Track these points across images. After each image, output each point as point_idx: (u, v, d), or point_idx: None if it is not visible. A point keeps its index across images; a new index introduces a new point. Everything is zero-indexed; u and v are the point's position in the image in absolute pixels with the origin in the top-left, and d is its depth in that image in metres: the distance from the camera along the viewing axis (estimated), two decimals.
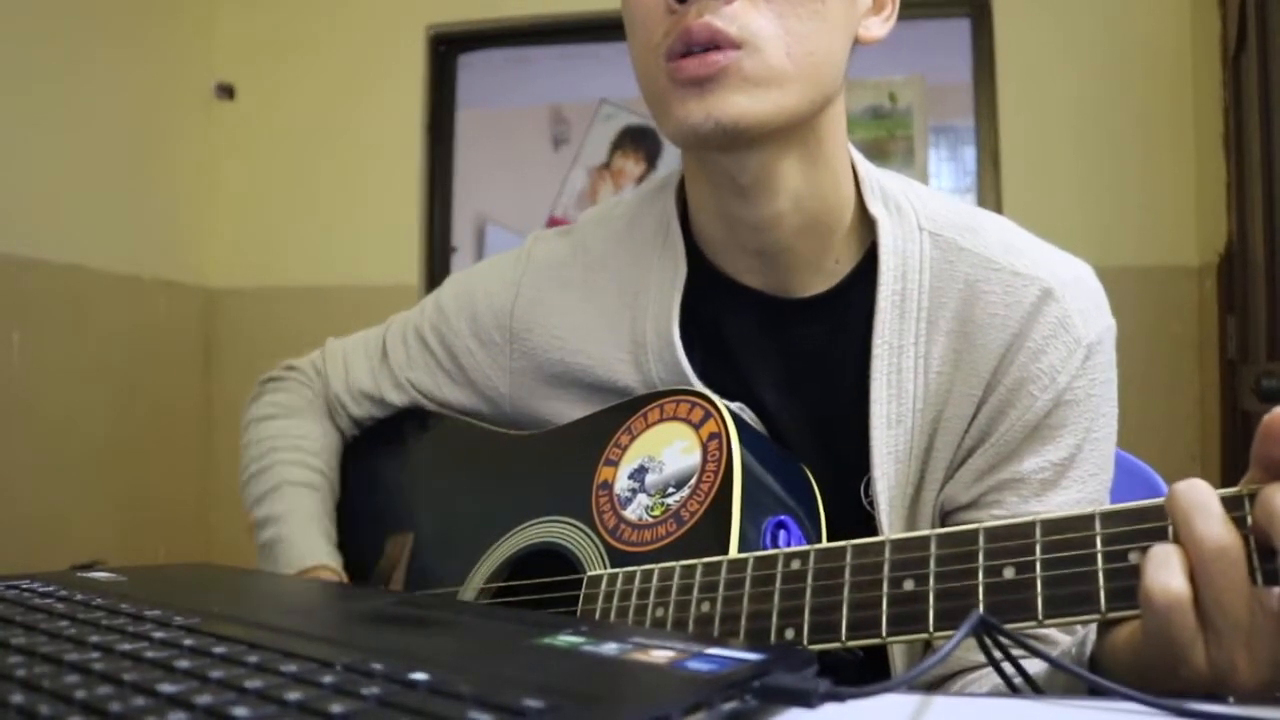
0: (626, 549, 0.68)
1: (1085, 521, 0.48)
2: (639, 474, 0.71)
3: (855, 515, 0.73)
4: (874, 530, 0.71)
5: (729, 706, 0.37)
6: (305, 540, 0.84)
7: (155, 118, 2.85)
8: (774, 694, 0.38)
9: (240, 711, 0.34)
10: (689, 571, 0.60)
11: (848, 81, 0.73)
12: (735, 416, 0.70)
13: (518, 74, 3.03)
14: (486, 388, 0.86)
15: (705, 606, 0.58)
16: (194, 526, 2.91)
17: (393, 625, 0.53)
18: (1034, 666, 0.54)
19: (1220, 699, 0.45)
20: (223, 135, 3.06)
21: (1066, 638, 0.65)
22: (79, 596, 0.55)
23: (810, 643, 0.53)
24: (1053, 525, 0.49)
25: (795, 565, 0.56)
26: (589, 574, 0.66)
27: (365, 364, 0.93)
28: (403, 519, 0.88)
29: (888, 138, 2.76)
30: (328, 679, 0.37)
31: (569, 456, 0.77)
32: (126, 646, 0.43)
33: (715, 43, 0.64)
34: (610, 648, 0.42)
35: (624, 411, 0.75)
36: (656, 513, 0.68)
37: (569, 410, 0.81)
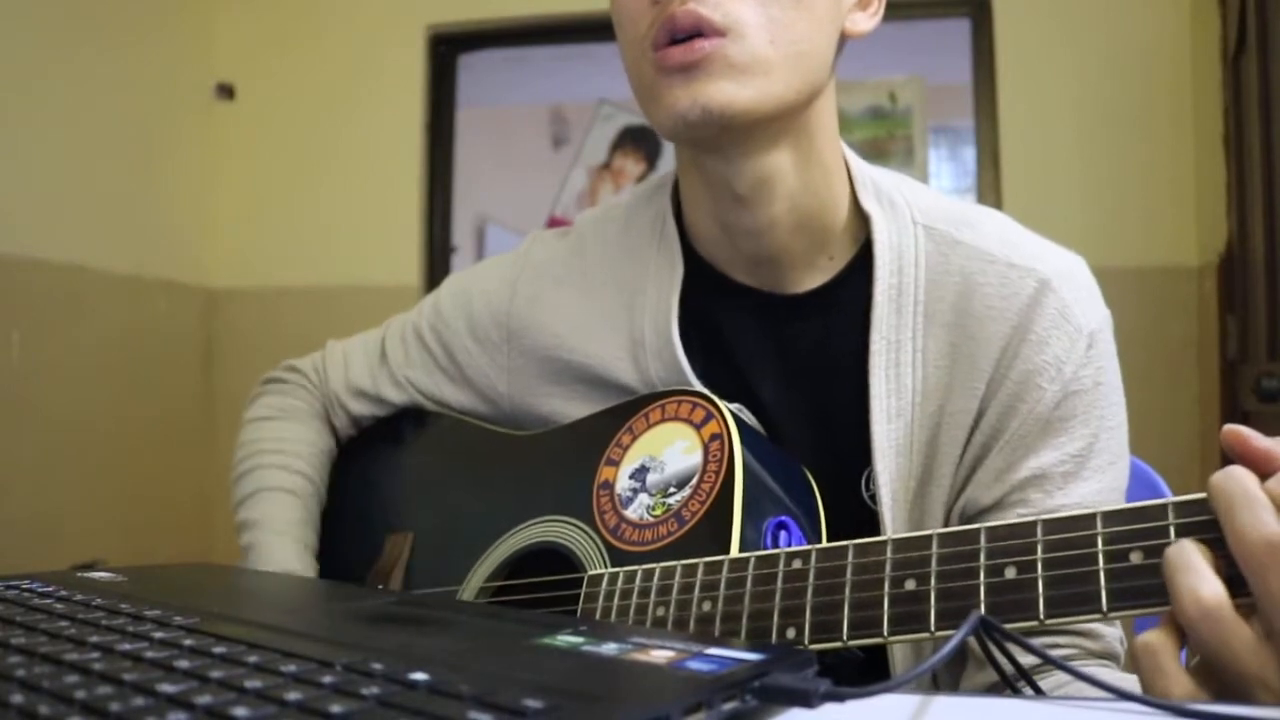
0: (627, 548, 0.68)
1: (1086, 521, 0.48)
2: (640, 474, 0.71)
3: (857, 511, 0.73)
4: (876, 526, 0.71)
5: (729, 707, 0.37)
6: (278, 549, 0.84)
7: (155, 118, 2.85)
8: (774, 694, 0.38)
9: (240, 711, 0.34)
10: (690, 571, 0.60)
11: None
12: (736, 417, 0.70)
13: (517, 74, 3.03)
14: (485, 387, 0.87)
15: (706, 606, 0.58)
16: (194, 526, 2.91)
17: (393, 625, 0.53)
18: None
19: None
20: (223, 135, 3.06)
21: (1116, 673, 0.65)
22: (79, 596, 0.55)
23: (811, 642, 0.53)
24: (1054, 525, 0.49)
25: (797, 565, 0.56)
26: (589, 573, 0.66)
27: (364, 363, 0.93)
28: (402, 517, 0.88)
29: (888, 138, 2.76)
30: (327, 679, 0.37)
31: (570, 456, 0.77)
32: (126, 646, 0.43)
33: (699, 29, 0.64)
34: (610, 648, 0.42)
35: (625, 411, 0.75)
36: (658, 512, 0.68)
37: (568, 409, 0.82)
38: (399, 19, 2.98)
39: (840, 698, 0.39)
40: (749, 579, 0.57)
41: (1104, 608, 0.47)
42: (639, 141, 2.89)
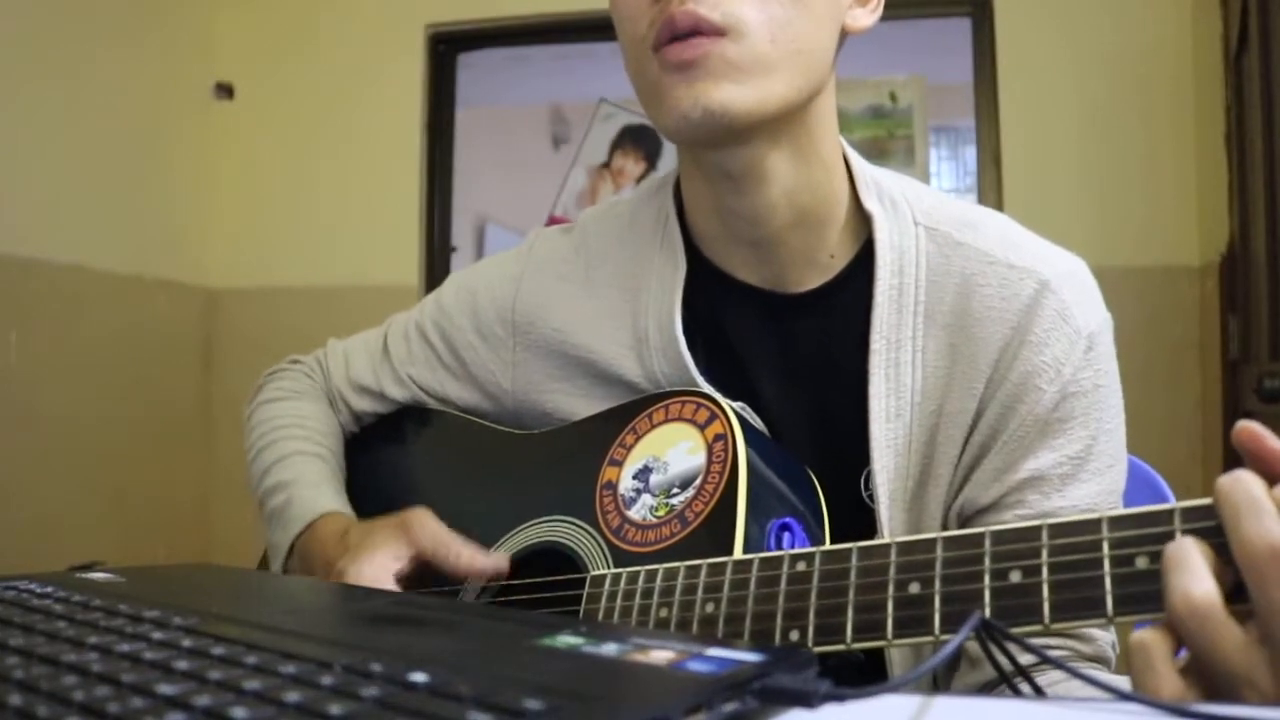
0: (630, 549, 0.68)
1: (1092, 525, 0.48)
2: (643, 474, 0.71)
3: (855, 509, 0.73)
4: (874, 525, 0.71)
5: (729, 707, 0.37)
6: (314, 496, 0.83)
7: (155, 118, 2.85)
8: (774, 695, 0.38)
9: (239, 712, 0.34)
10: (693, 572, 0.60)
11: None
12: (739, 417, 0.70)
13: (517, 73, 3.03)
14: (488, 383, 0.87)
15: (709, 607, 0.58)
16: (194, 526, 2.91)
17: (392, 625, 0.53)
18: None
19: None
20: (223, 135, 3.06)
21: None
22: (77, 597, 0.54)
23: (815, 645, 0.53)
24: (1059, 529, 0.49)
25: (800, 567, 0.56)
26: (592, 574, 0.66)
27: (366, 359, 0.93)
28: None
29: (888, 137, 2.76)
30: (327, 680, 0.37)
31: (572, 456, 0.77)
32: (125, 647, 0.43)
33: (698, 28, 0.64)
34: (610, 648, 0.42)
35: (629, 412, 0.75)
36: (661, 513, 0.68)
37: (572, 405, 0.82)
38: (399, 19, 2.97)
39: (841, 698, 0.39)
40: (752, 581, 0.57)
41: (1109, 612, 0.46)
42: (639, 141, 2.89)
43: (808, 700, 0.38)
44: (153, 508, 2.76)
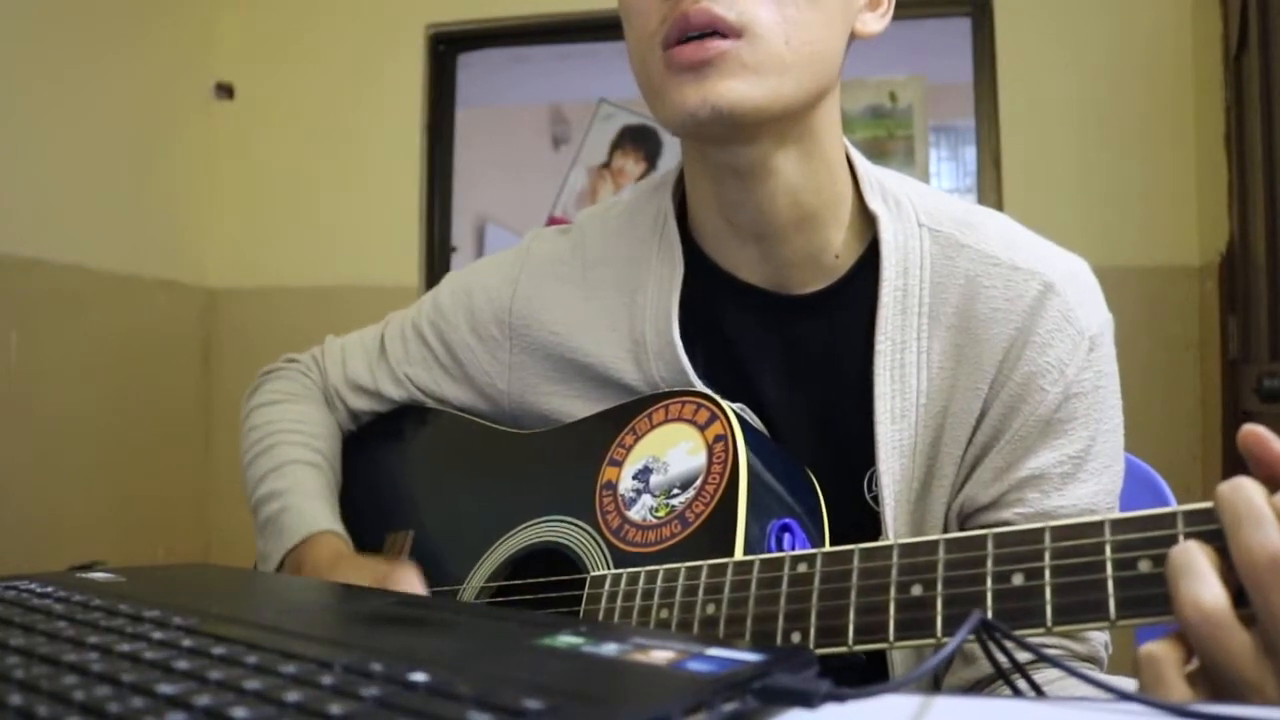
0: (630, 549, 0.68)
1: (1095, 528, 0.48)
2: (643, 474, 0.71)
3: (858, 512, 0.73)
4: (878, 527, 0.71)
5: (729, 707, 0.37)
6: (311, 510, 0.83)
7: (155, 118, 2.84)
8: (775, 695, 0.38)
9: (239, 712, 0.34)
10: (694, 573, 0.60)
11: (848, 81, 0.74)
12: (739, 418, 0.70)
13: (517, 73, 3.03)
14: (484, 384, 0.86)
15: (710, 609, 0.58)
16: (193, 526, 2.91)
17: (392, 625, 0.53)
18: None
19: None
20: (223, 135, 3.06)
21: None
22: (77, 597, 0.54)
23: (817, 646, 0.53)
24: (1062, 531, 0.49)
25: (802, 568, 0.55)
26: (592, 574, 0.66)
27: (363, 359, 0.93)
28: (402, 515, 0.88)
29: (888, 138, 2.76)
30: (327, 680, 0.37)
31: (572, 456, 0.77)
32: (125, 647, 0.43)
33: (714, 28, 0.64)
34: (610, 648, 0.42)
35: (628, 412, 0.75)
36: (661, 514, 0.68)
37: (568, 406, 0.81)
38: (399, 19, 2.97)
39: (841, 698, 0.39)
40: (753, 582, 0.57)
41: (1112, 616, 0.46)
42: (639, 141, 2.89)
43: (808, 700, 0.38)
44: (153, 508, 2.76)
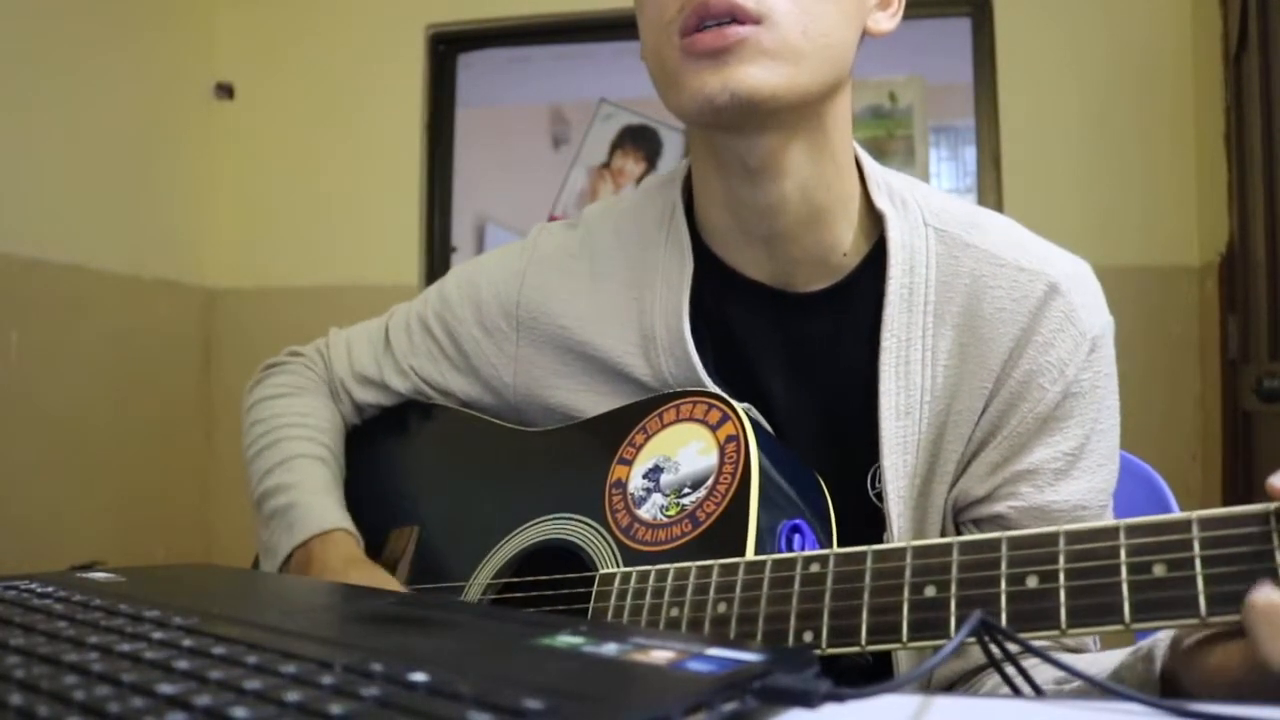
0: (640, 548, 0.68)
1: (1109, 533, 0.48)
2: (654, 473, 0.71)
3: (861, 508, 0.73)
4: (881, 522, 0.72)
5: (729, 707, 0.37)
6: (320, 505, 0.83)
7: (155, 118, 2.84)
8: (775, 694, 0.38)
9: (239, 712, 0.34)
10: (705, 572, 0.60)
11: (851, 80, 0.74)
12: (750, 419, 0.70)
13: (517, 74, 3.03)
14: (490, 376, 0.87)
15: (722, 607, 0.58)
16: (194, 526, 2.91)
17: (392, 625, 0.53)
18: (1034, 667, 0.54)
19: None
20: (223, 135, 3.06)
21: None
22: (78, 597, 0.55)
23: (830, 646, 0.53)
24: (1076, 536, 0.49)
25: (814, 568, 0.56)
26: (602, 572, 0.66)
27: (369, 350, 0.93)
28: (408, 511, 0.88)
29: (888, 138, 2.76)
30: (327, 680, 0.37)
31: (581, 454, 0.77)
32: (125, 647, 0.43)
33: (733, 15, 0.64)
34: (610, 648, 0.42)
35: (638, 411, 0.75)
36: (671, 513, 0.68)
37: (575, 400, 0.81)
38: (399, 19, 2.97)
39: (841, 698, 0.39)
40: (765, 581, 0.57)
41: (1127, 619, 0.46)
42: (639, 141, 2.89)
43: (808, 700, 0.38)
44: (153, 507, 2.76)
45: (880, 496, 0.72)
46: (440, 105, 3.01)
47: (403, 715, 0.34)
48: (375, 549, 0.86)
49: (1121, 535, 0.48)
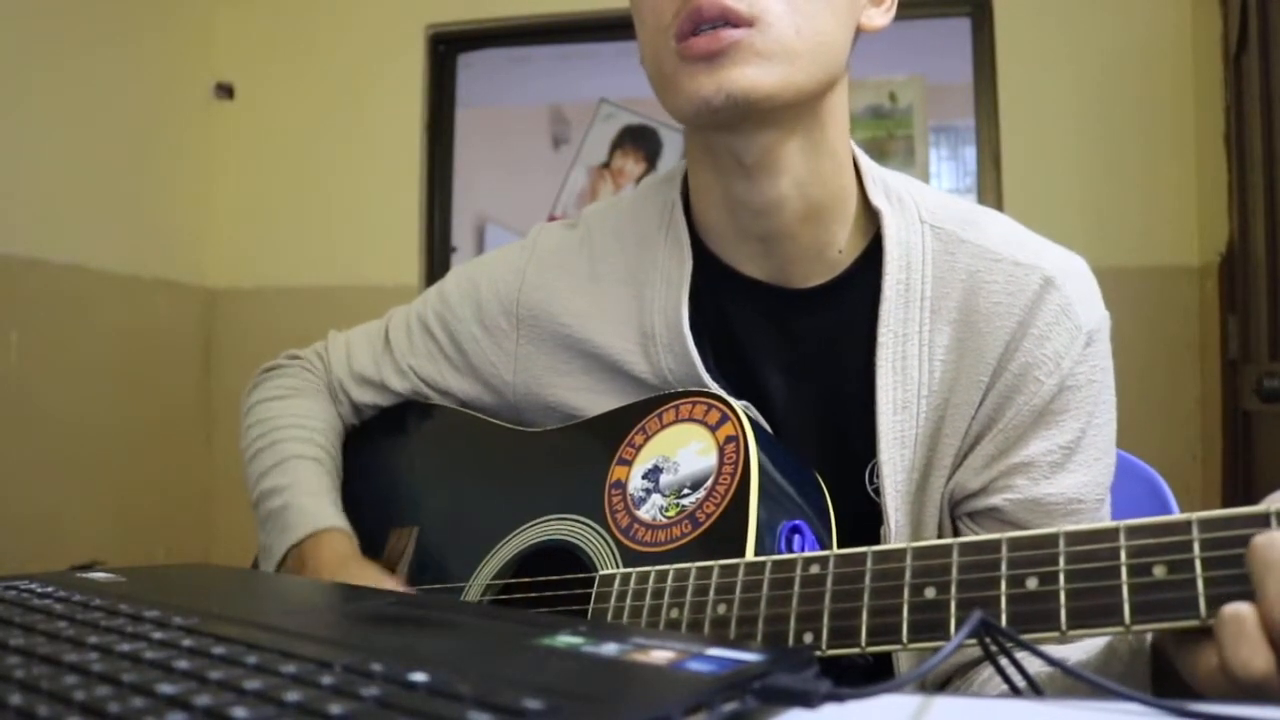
0: (640, 549, 0.68)
1: (1109, 534, 0.48)
2: (653, 474, 0.71)
3: (859, 503, 0.73)
4: (878, 518, 0.72)
5: (729, 707, 0.37)
6: (316, 506, 0.83)
7: (155, 118, 2.85)
8: (774, 694, 0.38)
9: (239, 712, 0.34)
10: (705, 573, 0.60)
11: (849, 80, 0.74)
12: (749, 419, 0.70)
13: (517, 74, 3.03)
14: (490, 375, 0.87)
15: (722, 609, 0.58)
16: (194, 526, 2.91)
17: (392, 625, 0.53)
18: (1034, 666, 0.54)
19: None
20: (223, 135, 3.06)
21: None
22: (78, 597, 0.55)
23: (829, 647, 0.53)
24: (1076, 537, 0.49)
25: (814, 569, 0.55)
26: (602, 573, 0.66)
27: (368, 350, 0.93)
28: (407, 512, 0.88)
29: (888, 138, 2.76)
30: (327, 679, 0.37)
31: (580, 454, 0.77)
32: (125, 647, 0.43)
33: (726, 18, 0.65)
34: (610, 648, 0.42)
35: (638, 411, 0.75)
36: (671, 513, 0.68)
37: (576, 398, 0.82)
38: (399, 19, 2.97)
39: (841, 698, 0.39)
40: (765, 583, 0.57)
41: (1127, 620, 0.46)
42: (639, 141, 2.89)
43: (808, 700, 0.38)
44: (153, 507, 2.76)
45: (878, 492, 0.72)
46: (440, 105, 3.01)
47: (403, 715, 0.34)
48: (375, 549, 0.86)
49: (1121, 536, 0.48)
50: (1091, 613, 0.47)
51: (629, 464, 0.72)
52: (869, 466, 0.74)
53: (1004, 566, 0.50)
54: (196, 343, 3.00)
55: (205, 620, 0.48)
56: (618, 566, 0.67)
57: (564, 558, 0.72)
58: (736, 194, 0.74)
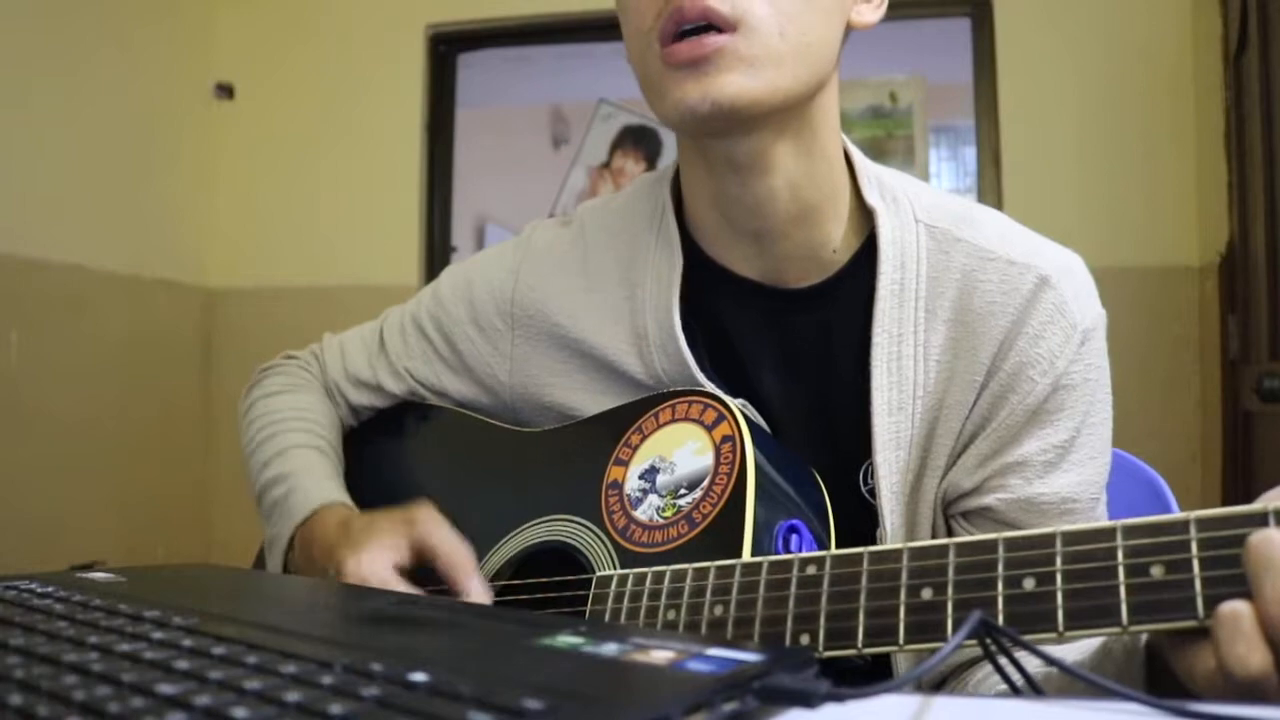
0: (637, 549, 0.67)
1: (1107, 534, 0.48)
2: (650, 474, 0.71)
3: (854, 504, 0.73)
4: (874, 518, 0.72)
5: (729, 707, 0.37)
6: (316, 487, 0.81)
7: (155, 118, 2.85)
8: (774, 694, 0.38)
9: (239, 712, 0.34)
10: (702, 574, 0.59)
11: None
12: (746, 418, 0.70)
13: (517, 74, 3.03)
14: (485, 375, 0.86)
15: (718, 610, 0.58)
16: (194, 526, 2.91)
17: (392, 625, 0.53)
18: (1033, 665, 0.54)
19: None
20: (223, 135, 3.06)
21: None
22: (78, 597, 0.54)
23: (826, 649, 0.53)
24: (1074, 537, 0.49)
25: (811, 570, 0.55)
26: (599, 574, 0.66)
27: (363, 353, 0.93)
28: None
29: (887, 138, 2.76)
30: (327, 680, 0.37)
31: (577, 455, 0.77)
32: (125, 647, 0.43)
33: (708, 21, 0.64)
34: (610, 648, 0.42)
35: (634, 411, 0.75)
36: (668, 514, 0.68)
37: (571, 398, 0.81)
38: (399, 19, 2.97)
39: (841, 698, 0.39)
40: (762, 584, 0.57)
41: (1124, 621, 0.46)
42: (639, 141, 2.89)
43: (808, 700, 0.38)
44: (153, 507, 2.76)
45: (872, 493, 0.72)
46: (440, 105, 3.01)
47: (403, 715, 0.34)
48: None
49: (1119, 536, 0.48)
50: (1089, 613, 0.47)
51: (625, 464, 0.72)
52: (864, 467, 0.73)
53: (1001, 567, 0.50)
54: (196, 343, 3.00)
55: (205, 620, 0.48)
56: (615, 567, 0.67)
57: (561, 559, 0.72)
58: (727, 192, 0.74)
